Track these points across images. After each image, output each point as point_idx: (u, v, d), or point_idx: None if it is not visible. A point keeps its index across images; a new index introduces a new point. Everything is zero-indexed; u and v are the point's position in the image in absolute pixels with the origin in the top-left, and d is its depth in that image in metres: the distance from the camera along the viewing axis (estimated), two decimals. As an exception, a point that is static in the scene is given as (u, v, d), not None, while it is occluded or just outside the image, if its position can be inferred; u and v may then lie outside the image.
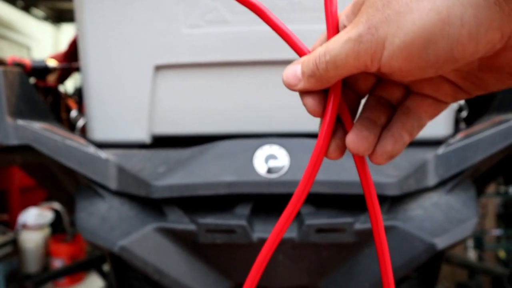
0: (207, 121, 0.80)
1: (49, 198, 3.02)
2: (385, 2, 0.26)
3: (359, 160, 0.33)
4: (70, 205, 1.03)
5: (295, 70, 0.32)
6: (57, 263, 2.67)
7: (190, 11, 0.77)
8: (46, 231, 2.77)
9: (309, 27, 0.76)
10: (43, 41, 3.63)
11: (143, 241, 0.66)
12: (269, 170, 0.68)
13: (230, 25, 0.77)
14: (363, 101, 0.34)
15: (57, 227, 2.84)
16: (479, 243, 2.06)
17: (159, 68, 0.79)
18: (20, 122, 0.72)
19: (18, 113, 0.74)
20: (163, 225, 0.68)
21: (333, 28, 0.31)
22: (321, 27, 0.76)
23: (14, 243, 2.45)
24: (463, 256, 1.99)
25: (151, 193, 0.67)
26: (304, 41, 0.79)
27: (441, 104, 0.31)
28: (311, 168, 0.34)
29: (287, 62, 0.80)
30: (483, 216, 2.10)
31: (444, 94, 0.31)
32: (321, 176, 0.67)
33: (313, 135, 0.75)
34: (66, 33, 3.68)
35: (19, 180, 2.85)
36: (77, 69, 1.20)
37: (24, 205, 2.88)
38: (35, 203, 2.97)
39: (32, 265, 2.65)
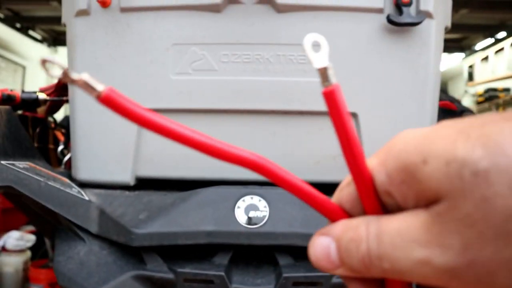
0: (191, 166, 0.81)
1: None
2: (500, 229, 0.17)
3: None
4: (49, 233, 1.01)
5: (328, 250, 0.23)
6: (36, 290, 2.59)
7: (178, 58, 0.79)
8: (27, 255, 2.71)
9: (294, 79, 0.78)
10: (39, 63, 3.65)
11: (119, 289, 0.66)
12: (249, 221, 0.69)
13: (217, 74, 0.79)
14: None
15: (38, 251, 2.78)
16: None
17: (146, 112, 0.81)
18: (3, 162, 0.72)
19: (1, 153, 0.75)
20: (141, 273, 0.68)
21: (368, 190, 0.23)
22: (307, 80, 0.78)
23: (-8, 267, 2.38)
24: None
25: (131, 241, 0.67)
26: (290, 93, 0.81)
27: None
28: None
29: (271, 112, 0.82)
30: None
31: None
32: (300, 229, 0.68)
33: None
34: (61, 55, 3.72)
35: (2, 202, 2.80)
36: (67, 101, 1.21)
37: (6, 227, 2.82)
38: (17, 225, 2.91)
39: (10, 290, 2.57)
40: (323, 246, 0.23)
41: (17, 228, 2.82)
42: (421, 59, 0.77)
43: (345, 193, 0.24)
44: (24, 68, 3.55)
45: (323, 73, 0.22)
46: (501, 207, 0.16)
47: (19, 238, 2.65)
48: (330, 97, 0.22)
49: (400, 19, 0.73)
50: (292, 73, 0.78)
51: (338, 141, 0.23)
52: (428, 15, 0.76)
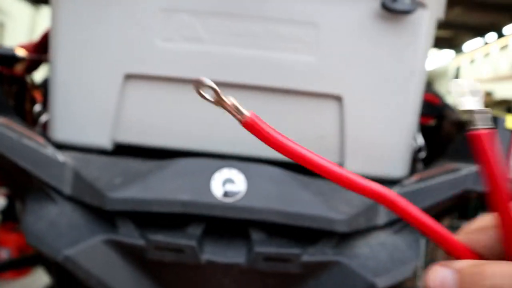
0: (171, 135, 0.80)
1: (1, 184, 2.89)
2: None
3: None
4: (20, 194, 0.99)
5: (446, 279, 0.24)
6: (3, 253, 2.55)
7: (166, 24, 0.77)
8: (-4, 218, 2.65)
9: (282, 56, 0.77)
10: (19, 20, 3.50)
11: (89, 252, 0.65)
12: (225, 194, 0.68)
13: (204, 44, 0.77)
14: None
15: (8, 214, 2.72)
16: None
17: (129, 76, 0.79)
18: (-24, 115, 0.69)
19: (-25, 105, 0.72)
20: (112, 237, 0.67)
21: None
22: (296, 57, 0.78)
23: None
24: (413, 286, 2.04)
25: (105, 204, 0.66)
26: (276, 70, 0.80)
27: None
28: None
29: (258, 88, 0.81)
30: (435, 246, 2.17)
31: None
32: (276, 205, 0.68)
33: (274, 162, 0.77)
34: (45, 15, 3.57)
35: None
36: (46, 61, 1.17)
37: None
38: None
39: (-23, 253, 2.52)
40: (442, 277, 0.24)
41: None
42: (410, 48, 0.77)
43: (482, 237, 0.25)
44: (1, 25, 3.39)
45: (475, 115, 0.22)
46: None
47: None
48: (479, 140, 0.22)
49: (394, 5, 0.73)
50: (281, 50, 0.77)
51: (486, 184, 0.22)
52: (422, 5, 0.76)
